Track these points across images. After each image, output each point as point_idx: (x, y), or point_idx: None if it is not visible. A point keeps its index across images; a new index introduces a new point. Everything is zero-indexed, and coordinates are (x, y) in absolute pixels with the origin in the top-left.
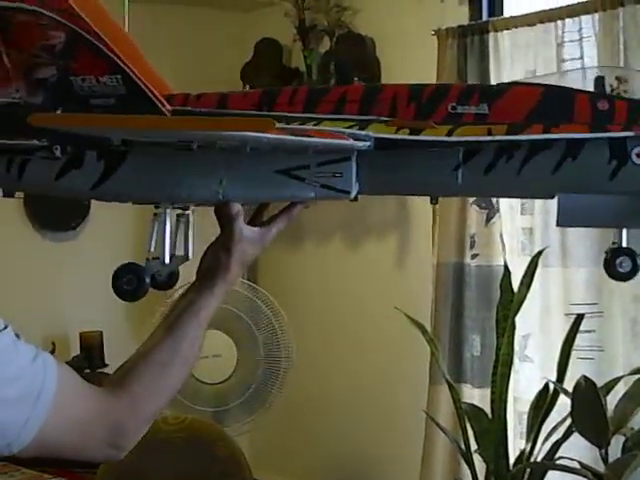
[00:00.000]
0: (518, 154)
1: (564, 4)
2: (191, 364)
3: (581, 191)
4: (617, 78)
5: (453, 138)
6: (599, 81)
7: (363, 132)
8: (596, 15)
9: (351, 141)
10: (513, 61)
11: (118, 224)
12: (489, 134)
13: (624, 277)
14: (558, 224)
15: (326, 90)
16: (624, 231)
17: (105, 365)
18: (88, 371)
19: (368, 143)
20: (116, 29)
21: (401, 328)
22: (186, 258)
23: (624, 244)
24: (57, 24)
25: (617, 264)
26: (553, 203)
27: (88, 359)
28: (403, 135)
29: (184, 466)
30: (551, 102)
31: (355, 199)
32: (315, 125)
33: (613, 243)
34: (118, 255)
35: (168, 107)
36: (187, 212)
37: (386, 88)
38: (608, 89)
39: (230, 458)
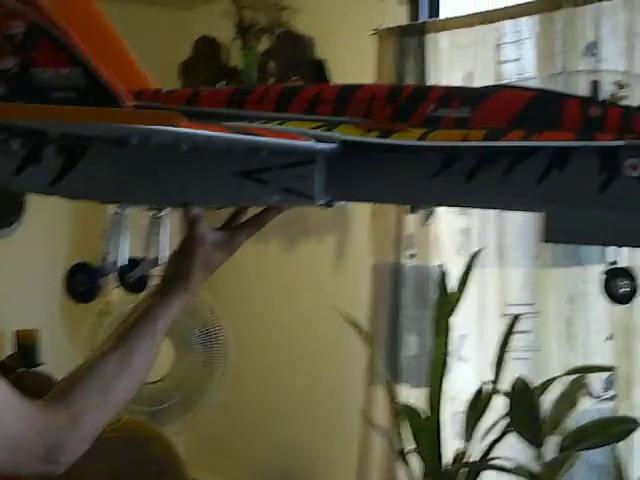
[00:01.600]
0: (501, 162)
1: (502, 6)
2: (143, 376)
3: (569, 204)
4: (617, 83)
5: (422, 143)
6: (594, 86)
7: (327, 134)
8: (534, 17)
9: (308, 142)
10: (452, 62)
11: (55, 221)
12: (465, 139)
13: (623, 300)
14: (545, 240)
15: (300, 89)
16: (621, 249)
17: (40, 364)
18: (24, 369)
19: (332, 145)
20: (92, 21)
21: (339, 328)
22: (156, 263)
23: (622, 264)
24: (17, 14)
25: (615, 286)
26: None
27: (23, 358)
28: (371, 138)
29: (119, 466)
30: (538, 107)
31: (329, 205)
32: (280, 125)
33: (610, 263)
34: (55, 253)
35: (130, 102)
36: (161, 214)
37: (363, 88)
38: (607, 95)
39: (166, 458)
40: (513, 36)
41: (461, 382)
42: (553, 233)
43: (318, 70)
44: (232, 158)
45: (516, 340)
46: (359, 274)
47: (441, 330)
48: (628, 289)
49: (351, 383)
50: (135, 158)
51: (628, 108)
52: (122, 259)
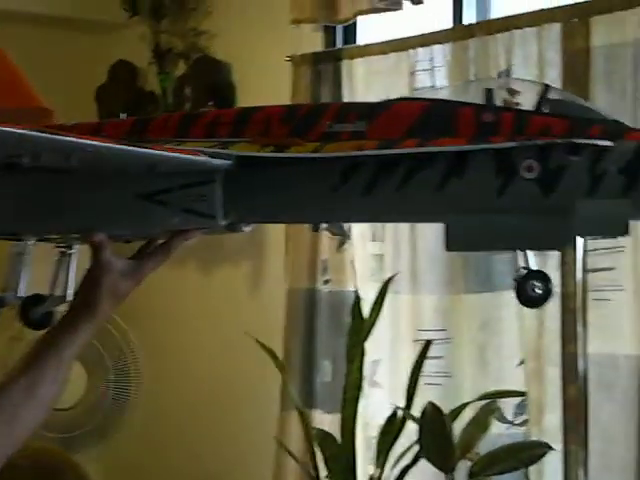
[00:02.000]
0: (398, 171)
1: (417, 34)
2: (49, 405)
3: (469, 211)
4: (509, 90)
5: (315, 154)
6: (488, 93)
7: (223, 151)
8: (448, 45)
9: (202, 157)
10: (367, 89)
11: None
12: (359, 150)
13: (537, 302)
14: (448, 249)
15: (200, 114)
16: (529, 253)
17: None
18: None
19: (227, 162)
20: None
21: (253, 354)
22: (63, 299)
23: (533, 267)
24: None
25: (529, 289)
26: (403, 230)
27: None
28: (265, 153)
29: None
30: (432, 116)
31: (232, 228)
32: (177, 145)
33: (522, 269)
34: None
35: None
36: (69, 251)
37: (260, 110)
38: (500, 102)
39: None
40: (427, 64)
41: (375, 408)
42: (455, 242)
43: (232, 95)
44: (132, 180)
45: (429, 366)
46: (274, 299)
47: (355, 356)
48: (541, 291)
49: (266, 409)
50: (33, 185)
51: (521, 112)
52: (22, 291)
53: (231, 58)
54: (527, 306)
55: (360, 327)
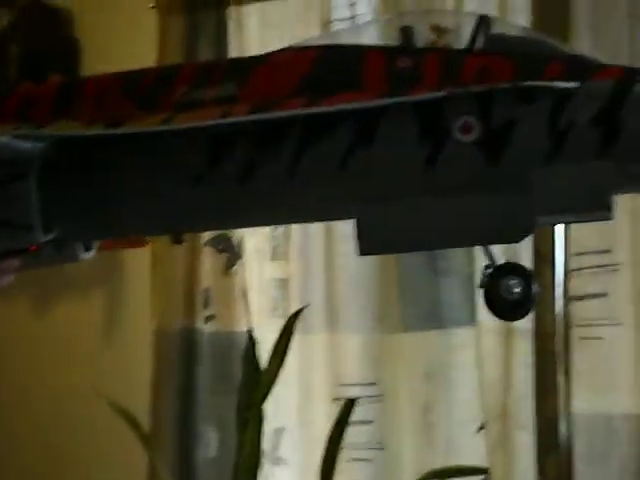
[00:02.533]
0: (284, 147)
1: None
2: None
3: (387, 195)
4: (435, 28)
5: (155, 128)
6: (406, 33)
7: (35, 131)
8: None
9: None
10: (263, 44)
11: None
12: (224, 116)
13: (518, 308)
14: (360, 253)
15: (9, 92)
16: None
17: None
18: None
19: (40, 145)
20: None
21: (110, 422)
22: None
23: (500, 261)
24: None
25: (503, 291)
26: (316, 243)
27: None
28: (91, 130)
29: None
30: (328, 67)
31: (63, 252)
32: None
33: (486, 267)
34: None
35: None
36: None
37: (88, 82)
38: (423, 43)
39: None
40: (346, 11)
41: None
42: (369, 242)
43: (75, 56)
44: None
45: (354, 435)
46: (138, 344)
47: (250, 422)
48: (520, 292)
49: None
50: None
51: (449, 52)
52: None
53: (73, 4)
54: (505, 318)
55: (256, 382)
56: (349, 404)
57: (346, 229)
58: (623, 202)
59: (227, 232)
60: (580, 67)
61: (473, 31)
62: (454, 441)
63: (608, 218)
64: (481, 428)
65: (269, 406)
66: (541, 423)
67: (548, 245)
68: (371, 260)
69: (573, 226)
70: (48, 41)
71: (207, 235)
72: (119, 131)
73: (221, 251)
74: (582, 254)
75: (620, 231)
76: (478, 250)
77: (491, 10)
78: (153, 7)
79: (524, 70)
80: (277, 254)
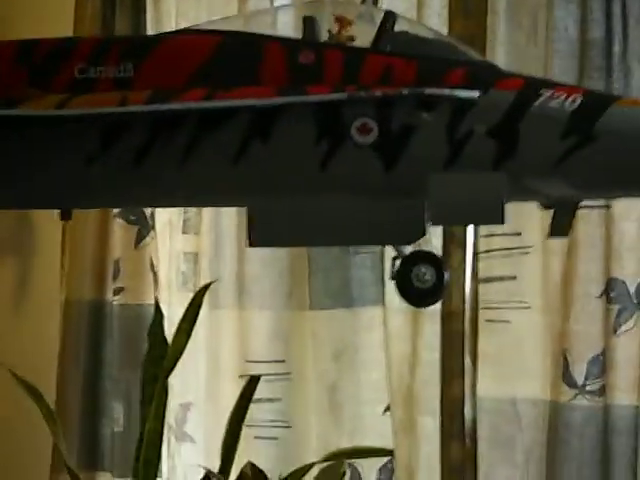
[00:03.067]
0: (182, 134)
1: None
2: None
3: (279, 189)
4: (338, 19)
5: (48, 112)
6: (309, 24)
7: None
8: None
9: None
10: (180, 16)
11: None
12: (122, 104)
13: (428, 295)
14: (250, 244)
15: None
16: None
17: None
18: None
19: None
20: None
21: (16, 395)
22: None
23: (407, 250)
24: None
25: (414, 279)
26: (227, 218)
27: None
28: None
29: None
30: (227, 56)
31: None
32: None
33: (394, 258)
34: None
35: None
36: None
37: None
38: (325, 35)
39: None
40: None
41: (183, 470)
42: (260, 234)
43: None
44: None
45: (260, 412)
46: (47, 315)
47: (155, 396)
48: (431, 279)
49: (35, 472)
50: None
51: (353, 50)
52: None
53: None
54: (418, 305)
55: (161, 356)
56: (253, 381)
57: None
58: None
59: None
60: (482, 75)
61: (378, 28)
62: (361, 421)
63: (499, 224)
64: (387, 409)
65: (176, 381)
66: (446, 407)
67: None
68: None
69: None
70: None
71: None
72: (14, 113)
73: (132, 223)
74: (492, 236)
75: (531, 214)
76: None
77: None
78: None
79: (426, 74)
80: (188, 227)
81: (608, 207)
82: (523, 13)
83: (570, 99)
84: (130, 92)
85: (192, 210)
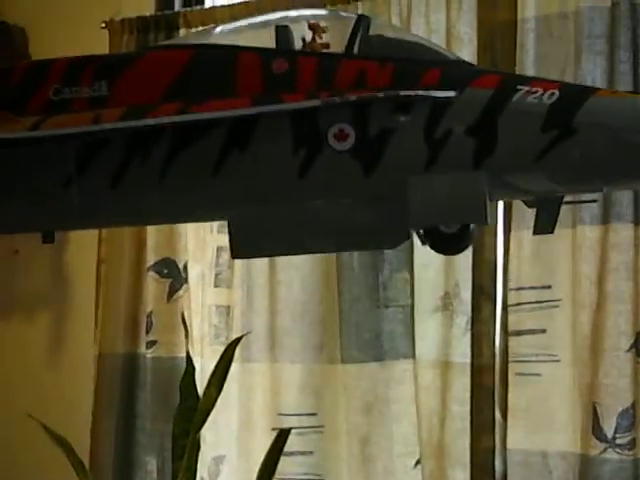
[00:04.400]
0: (157, 151)
1: None
2: None
3: (259, 199)
4: (311, 27)
5: (21, 134)
6: (282, 33)
7: None
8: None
9: None
10: None
11: None
12: (95, 122)
13: (453, 240)
14: (234, 256)
15: None
16: None
17: None
18: None
19: None
20: None
21: (48, 448)
22: None
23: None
24: None
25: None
26: (259, 272)
27: None
28: None
29: None
30: (200, 69)
31: None
32: None
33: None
34: None
35: None
36: None
37: None
38: (299, 44)
39: None
40: None
41: None
42: (242, 245)
43: None
44: None
45: (292, 465)
46: (81, 369)
47: (187, 450)
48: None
49: None
50: None
51: (326, 56)
52: None
53: (26, 21)
54: (442, 250)
55: (192, 409)
56: (283, 434)
57: (289, 258)
58: (564, 238)
59: (171, 257)
60: (458, 74)
61: (351, 32)
62: (392, 474)
63: (482, 223)
64: (418, 462)
65: (208, 434)
66: (476, 459)
67: (488, 279)
68: (313, 290)
69: (513, 261)
70: (3, 58)
71: (151, 260)
72: None
73: (165, 277)
74: (522, 289)
75: (560, 268)
76: (417, 282)
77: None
78: (104, 27)
79: (401, 77)
80: (220, 281)
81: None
82: (551, 66)
83: (548, 93)
84: (104, 110)
85: (224, 264)
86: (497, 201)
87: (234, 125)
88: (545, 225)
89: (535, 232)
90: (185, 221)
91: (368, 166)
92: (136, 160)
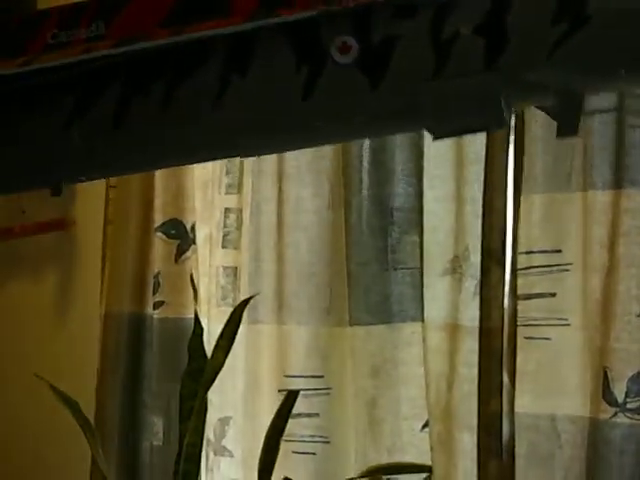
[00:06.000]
0: (158, 83)
1: None
2: None
3: (268, 132)
4: None
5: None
6: None
7: None
8: None
9: None
10: None
11: None
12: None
13: None
14: None
15: None
16: None
17: None
18: None
19: None
20: None
21: (54, 407)
22: None
23: None
24: None
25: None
26: (266, 234)
27: None
28: None
29: None
30: None
31: None
32: None
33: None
34: None
35: None
36: None
37: None
38: None
39: None
40: None
41: None
42: None
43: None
44: None
45: (299, 427)
46: (87, 328)
47: (195, 411)
48: None
49: None
50: None
51: None
52: None
53: None
54: None
55: (200, 370)
56: (291, 396)
57: (298, 220)
58: (575, 202)
59: (179, 218)
60: None
61: None
62: (399, 437)
63: (500, 127)
64: (425, 425)
65: (214, 395)
66: (484, 422)
67: (497, 243)
68: (321, 253)
69: (523, 225)
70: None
71: (159, 221)
72: None
73: (173, 237)
74: (531, 253)
75: (571, 231)
76: (426, 245)
77: None
78: None
79: None
80: (228, 242)
81: None
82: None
83: None
84: (97, 43)
85: (232, 225)
86: (516, 105)
87: (232, 50)
88: (568, 127)
89: (558, 135)
90: (190, 161)
91: (375, 78)
92: (136, 100)
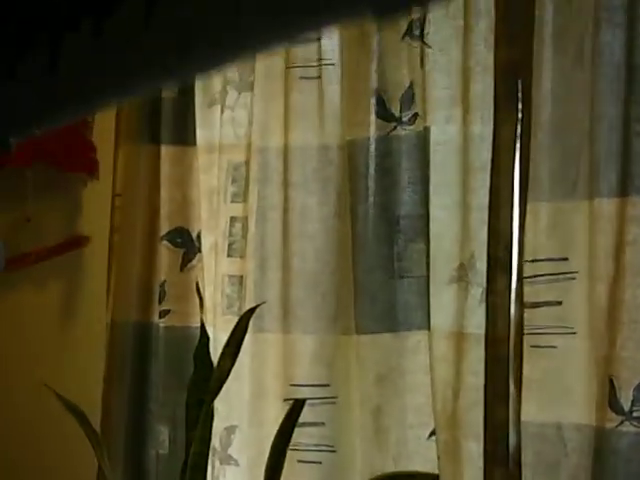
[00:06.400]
0: (84, 24)
1: None
2: None
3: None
4: None
5: None
6: None
7: None
8: None
9: None
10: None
11: None
12: None
13: None
14: None
15: None
16: None
17: None
18: None
19: None
20: None
21: (60, 415)
22: None
23: None
24: None
25: None
26: (272, 242)
27: None
28: None
29: None
30: None
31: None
32: None
33: None
34: None
35: None
36: None
37: None
38: None
39: None
40: None
41: None
42: None
43: None
44: None
45: (304, 436)
46: (93, 336)
47: (201, 420)
48: None
49: None
50: None
51: None
52: None
53: None
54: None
55: (206, 379)
56: (297, 405)
57: (304, 228)
58: (581, 210)
59: (185, 227)
60: None
61: None
62: (405, 446)
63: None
64: (432, 434)
65: (220, 404)
66: (490, 431)
67: (503, 251)
68: (327, 261)
69: (529, 233)
70: None
71: (164, 229)
72: None
73: (178, 246)
74: (537, 261)
75: (577, 240)
76: (433, 253)
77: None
78: None
79: None
80: (233, 250)
81: None
82: (569, 38)
83: None
84: None
85: (237, 234)
86: None
87: None
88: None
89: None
90: (127, 97)
91: None
92: (67, 40)
